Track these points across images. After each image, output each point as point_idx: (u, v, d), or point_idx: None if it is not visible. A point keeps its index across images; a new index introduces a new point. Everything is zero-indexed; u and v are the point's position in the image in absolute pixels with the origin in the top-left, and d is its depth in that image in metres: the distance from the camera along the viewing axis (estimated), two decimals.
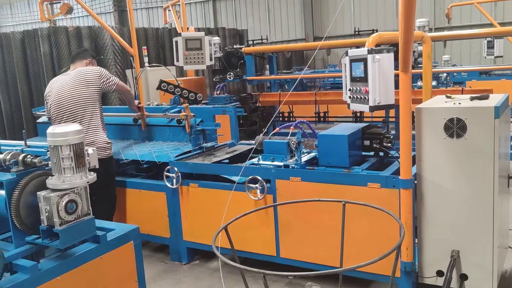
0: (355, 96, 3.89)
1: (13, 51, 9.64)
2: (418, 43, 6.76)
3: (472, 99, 3.50)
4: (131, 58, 8.23)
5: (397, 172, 3.77)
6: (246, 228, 4.18)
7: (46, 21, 7.60)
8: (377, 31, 7.96)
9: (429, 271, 3.52)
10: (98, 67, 4.76)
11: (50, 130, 2.61)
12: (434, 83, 7.88)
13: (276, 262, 4.10)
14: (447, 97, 3.78)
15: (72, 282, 2.73)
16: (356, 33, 8.20)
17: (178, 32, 8.78)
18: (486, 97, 3.53)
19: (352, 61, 3.93)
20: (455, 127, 3.26)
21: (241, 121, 7.43)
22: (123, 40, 8.74)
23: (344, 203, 2.54)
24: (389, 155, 4.10)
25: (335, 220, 3.72)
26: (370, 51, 3.69)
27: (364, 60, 3.72)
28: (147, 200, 4.74)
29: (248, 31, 15.19)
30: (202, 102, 7.80)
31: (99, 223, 3.23)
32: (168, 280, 4.41)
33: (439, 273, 3.47)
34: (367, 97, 3.73)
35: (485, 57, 11.04)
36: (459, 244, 3.37)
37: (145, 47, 8.71)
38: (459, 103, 3.41)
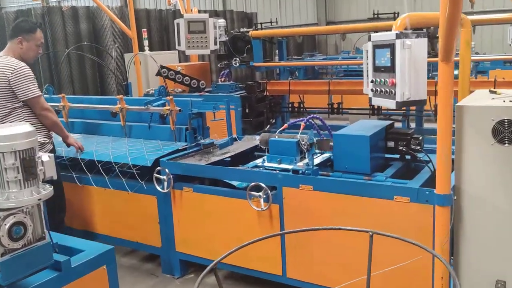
0: (378, 89, 3.27)
1: (6, 32, 9.07)
2: None
3: None
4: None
5: (429, 181, 3.16)
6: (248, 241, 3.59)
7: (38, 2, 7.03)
8: (398, 14, 7.24)
9: None
10: (22, 64, 3.85)
11: None
12: (456, 72, 7.17)
13: (282, 282, 3.51)
14: (491, 92, 3.12)
15: None
16: (375, 16, 7.47)
17: (182, 13, 8.14)
18: None
19: (375, 47, 3.31)
20: (507, 131, 2.62)
21: (246, 111, 6.81)
22: (124, 22, 8.14)
23: (371, 234, 1.94)
24: (418, 159, 3.48)
25: (351, 238, 3.13)
26: (398, 36, 3.06)
27: (391, 46, 3.11)
28: (136, 203, 4.15)
29: (257, 14, 14.47)
30: (205, 89, 7.20)
31: (64, 240, 2.66)
32: None
33: None
34: (393, 91, 3.12)
35: (510, 45, 10.31)
36: (506, 274, 2.75)
37: (145, 29, 8.12)
38: (511, 101, 2.76)
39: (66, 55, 8.57)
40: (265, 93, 7.03)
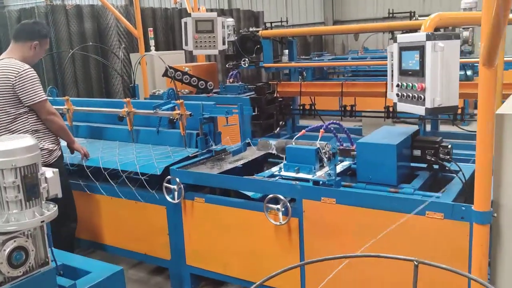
0: (405, 94, 3.05)
1: (8, 31, 8.87)
2: (464, 28, 5.85)
3: None
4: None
5: (461, 194, 2.93)
6: (264, 256, 3.38)
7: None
8: (414, 13, 6.99)
9: None
10: (27, 67, 3.60)
11: None
12: (469, 72, 6.93)
13: None
14: None
15: None
16: (390, 15, 7.23)
17: (188, 12, 7.91)
18: None
19: (402, 49, 3.08)
20: None
21: (256, 112, 6.58)
22: (130, 20, 7.93)
23: (416, 263, 1.71)
24: (447, 169, 3.25)
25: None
26: (429, 37, 2.83)
27: (420, 48, 2.89)
28: (145, 214, 3.94)
29: (264, 13, 14.22)
30: (213, 91, 6.98)
31: (70, 260, 2.45)
32: None
33: None
34: (422, 96, 2.89)
35: None
36: None
37: (151, 28, 7.90)
38: None
39: (70, 55, 8.35)
40: (275, 95, 6.81)
